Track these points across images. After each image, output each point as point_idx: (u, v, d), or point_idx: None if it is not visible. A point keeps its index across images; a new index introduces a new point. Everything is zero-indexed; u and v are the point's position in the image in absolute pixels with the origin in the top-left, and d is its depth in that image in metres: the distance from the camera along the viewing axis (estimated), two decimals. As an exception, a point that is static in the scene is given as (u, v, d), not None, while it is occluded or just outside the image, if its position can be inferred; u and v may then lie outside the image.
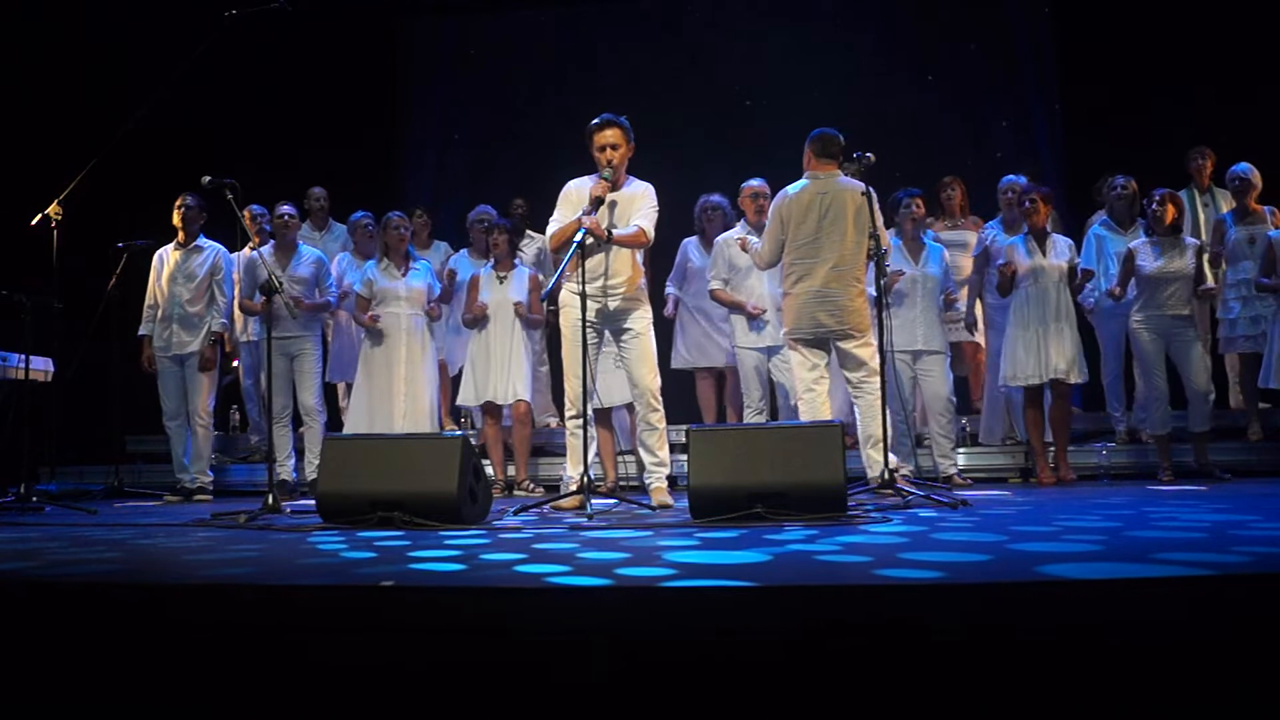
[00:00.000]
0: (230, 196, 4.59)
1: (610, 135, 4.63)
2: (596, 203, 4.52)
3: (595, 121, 4.68)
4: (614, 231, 4.58)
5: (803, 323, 4.94)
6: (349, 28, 8.32)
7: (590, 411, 4.54)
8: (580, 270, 4.41)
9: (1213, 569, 2.10)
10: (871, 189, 4.82)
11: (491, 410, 6.02)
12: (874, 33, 8.35)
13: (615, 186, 4.67)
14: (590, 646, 1.96)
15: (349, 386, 6.72)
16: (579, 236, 4.34)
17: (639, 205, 4.67)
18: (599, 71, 8.40)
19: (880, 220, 4.90)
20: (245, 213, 6.55)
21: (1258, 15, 7.15)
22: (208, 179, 4.57)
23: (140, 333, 6.10)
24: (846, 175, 4.95)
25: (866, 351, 4.88)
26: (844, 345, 4.92)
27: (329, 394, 6.60)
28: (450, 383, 6.63)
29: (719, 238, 6.10)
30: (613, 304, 4.69)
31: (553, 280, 4.98)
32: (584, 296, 4.40)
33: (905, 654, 1.88)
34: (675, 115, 7.97)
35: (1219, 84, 7.10)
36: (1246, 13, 7.18)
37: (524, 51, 8.80)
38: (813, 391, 4.94)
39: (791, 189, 5.03)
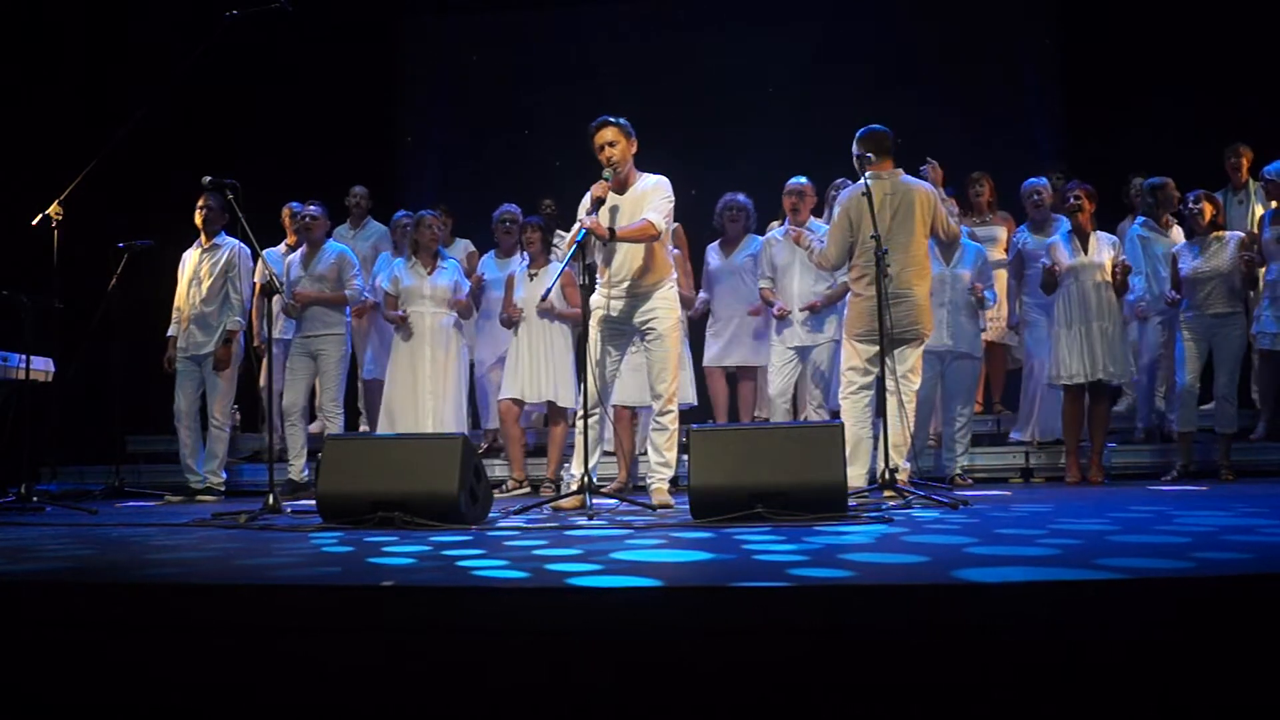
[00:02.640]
0: (230, 196, 4.58)
1: (607, 134, 4.63)
2: (597, 203, 4.53)
3: (593, 123, 4.69)
4: (616, 229, 4.58)
5: (870, 324, 4.77)
6: (349, 28, 8.32)
7: (600, 410, 4.57)
8: (580, 269, 4.43)
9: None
10: (940, 189, 4.88)
11: (515, 408, 6.00)
12: (874, 33, 8.35)
13: (623, 186, 4.68)
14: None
15: (367, 384, 6.72)
16: (580, 237, 4.37)
17: (649, 200, 4.66)
18: (599, 71, 8.39)
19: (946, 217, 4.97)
20: (285, 210, 6.62)
21: (1260, 14, 7.14)
22: (209, 179, 4.57)
23: (168, 333, 6.12)
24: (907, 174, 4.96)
25: (920, 351, 4.91)
26: (903, 348, 4.86)
27: (348, 394, 6.56)
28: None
29: (764, 236, 6.10)
30: (629, 302, 4.69)
31: (552, 282, 5.02)
32: (585, 294, 4.43)
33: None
34: (676, 115, 7.97)
35: (1222, 82, 7.09)
36: (1250, 11, 7.17)
37: (524, 51, 8.79)
38: (858, 395, 4.91)
39: (854, 189, 4.94)
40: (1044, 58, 8.26)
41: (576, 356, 6.11)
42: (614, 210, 4.65)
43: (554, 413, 5.97)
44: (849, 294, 5.07)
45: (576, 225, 4.53)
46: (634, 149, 4.70)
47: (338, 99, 8.04)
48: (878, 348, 4.78)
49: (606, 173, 4.60)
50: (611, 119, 4.66)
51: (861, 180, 4.76)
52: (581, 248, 4.37)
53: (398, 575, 2.36)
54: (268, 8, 5.21)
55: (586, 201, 4.65)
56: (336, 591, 2.19)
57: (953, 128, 7.97)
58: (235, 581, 2.36)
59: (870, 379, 4.89)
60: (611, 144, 4.62)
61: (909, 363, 4.86)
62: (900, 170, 4.96)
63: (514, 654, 1.97)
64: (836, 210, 5.04)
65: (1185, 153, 6.75)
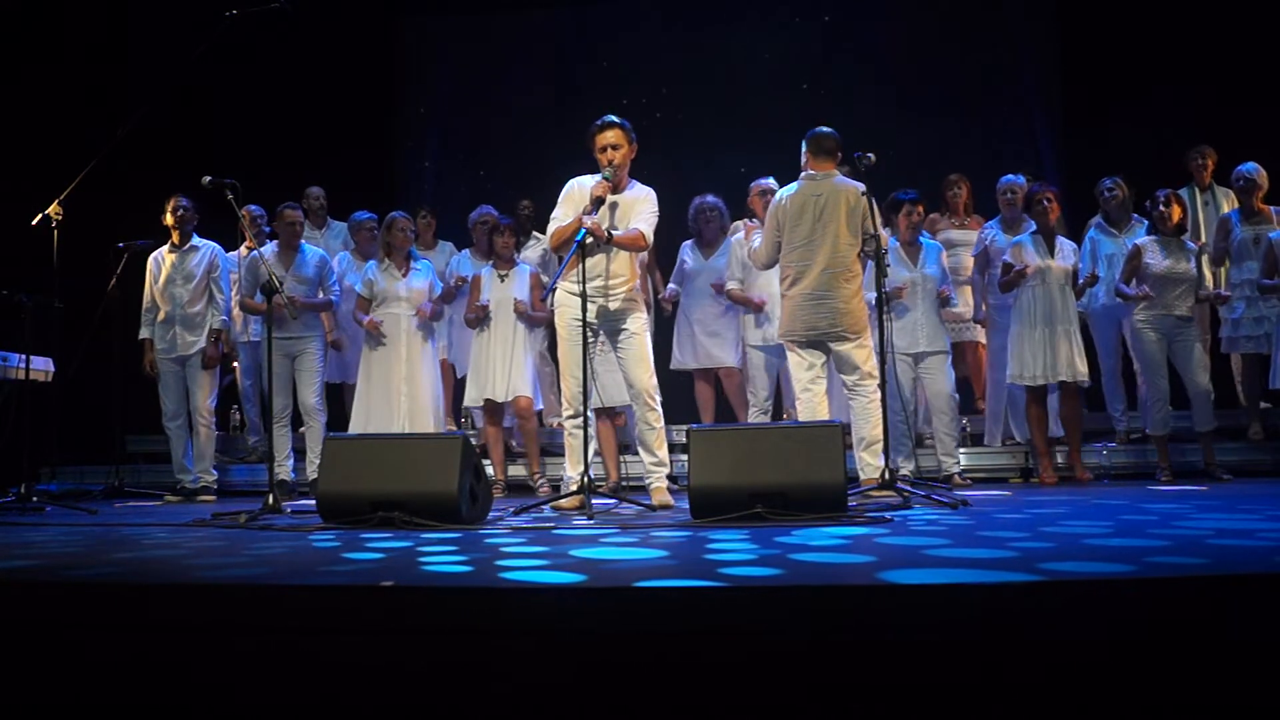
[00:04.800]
0: (230, 197, 4.59)
1: (611, 136, 4.62)
2: (597, 203, 4.51)
3: (596, 123, 4.68)
4: (614, 233, 4.57)
5: (797, 325, 4.93)
6: (348, 28, 8.31)
7: (590, 411, 4.55)
8: (580, 270, 4.40)
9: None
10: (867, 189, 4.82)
11: (492, 409, 6.02)
12: (874, 32, 8.35)
13: (617, 188, 4.67)
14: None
15: (351, 386, 6.72)
16: (580, 236, 4.35)
17: (640, 209, 4.66)
18: (599, 72, 8.39)
19: (879, 220, 4.88)
20: (244, 213, 6.56)
21: (1259, 14, 7.14)
22: (208, 179, 4.57)
23: (141, 336, 6.10)
24: (842, 175, 4.94)
25: (861, 354, 4.88)
26: (838, 347, 4.91)
27: (331, 394, 6.59)
28: (456, 384, 6.63)
29: (733, 238, 6.07)
30: (611, 305, 4.68)
31: (553, 280, 5.00)
32: (584, 296, 4.41)
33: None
34: (675, 115, 7.97)
35: (1220, 84, 7.09)
36: (1248, 12, 7.17)
37: (524, 52, 8.79)
38: (809, 391, 4.94)
39: (786, 190, 5.02)
40: (1045, 56, 8.25)
41: (537, 357, 6.18)
42: (611, 208, 4.64)
43: (523, 411, 6.00)
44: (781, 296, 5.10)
45: (574, 223, 4.51)
46: (633, 154, 4.69)
47: (336, 99, 8.04)
48: (811, 345, 4.92)
49: (606, 172, 4.58)
50: (616, 120, 4.65)
51: (796, 181, 4.98)
52: (582, 247, 4.36)
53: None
54: (267, 8, 5.21)
55: (572, 190, 4.64)
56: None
57: (952, 126, 7.99)
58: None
59: (814, 374, 4.94)
60: (615, 146, 4.62)
61: (852, 362, 4.88)
62: (836, 172, 4.97)
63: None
64: (767, 212, 5.09)
65: (1185, 153, 6.75)
